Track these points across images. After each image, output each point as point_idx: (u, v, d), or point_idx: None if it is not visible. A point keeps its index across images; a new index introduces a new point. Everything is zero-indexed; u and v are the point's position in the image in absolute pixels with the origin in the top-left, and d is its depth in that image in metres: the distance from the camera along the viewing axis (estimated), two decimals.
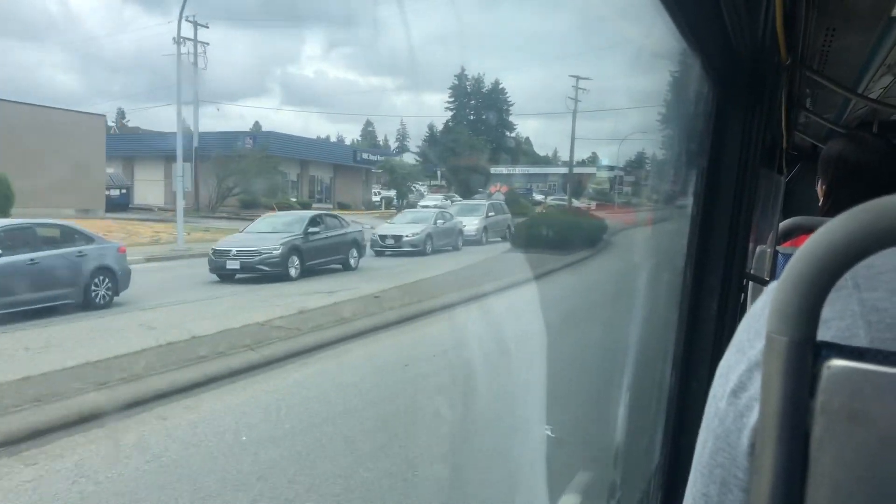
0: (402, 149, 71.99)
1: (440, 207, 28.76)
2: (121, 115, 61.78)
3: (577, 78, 47.66)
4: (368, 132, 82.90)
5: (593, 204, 48.34)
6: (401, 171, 42.86)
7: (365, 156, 46.56)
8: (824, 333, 0.56)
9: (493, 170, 56.25)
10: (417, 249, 21.88)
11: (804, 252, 0.52)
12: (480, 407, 7.34)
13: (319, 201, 42.37)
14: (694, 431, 0.74)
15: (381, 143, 78.08)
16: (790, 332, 0.52)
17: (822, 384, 0.51)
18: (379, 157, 47.87)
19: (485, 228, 25.90)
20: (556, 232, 22.68)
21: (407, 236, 22.47)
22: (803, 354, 0.52)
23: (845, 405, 0.50)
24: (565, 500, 4.89)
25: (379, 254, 21.72)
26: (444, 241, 23.35)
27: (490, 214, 27.14)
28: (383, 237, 22.47)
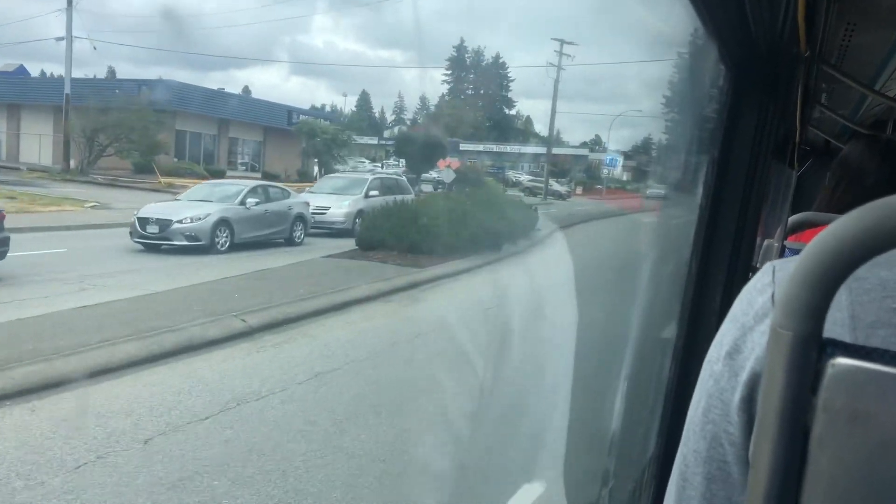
0: (398, 122, 71.40)
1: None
2: None
3: (562, 42, 43.99)
4: (363, 104, 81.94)
5: (578, 188, 47.38)
6: (322, 136, 33.47)
7: (304, 118, 37.64)
8: None
9: (464, 146, 54.05)
10: (196, 244, 14.70)
11: (813, 248, 0.52)
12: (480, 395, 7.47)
13: (245, 169, 35.50)
14: None
15: (376, 115, 77.31)
16: (796, 328, 0.52)
17: (825, 382, 0.51)
18: (325, 122, 39.07)
19: (360, 213, 18.19)
20: (440, 226, 16.16)
21: (181, 221, 14.62)
22: (808, 350, 0.52)
23: (847, 404, 0.50)
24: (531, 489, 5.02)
25: (150, 247, 14.50)
26: (260, 230, 16.34)
27: (372, 194, 18.95)
28: (143, 222, 14.48)
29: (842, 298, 0.59)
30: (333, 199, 18.93)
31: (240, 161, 37.05)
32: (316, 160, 34.09)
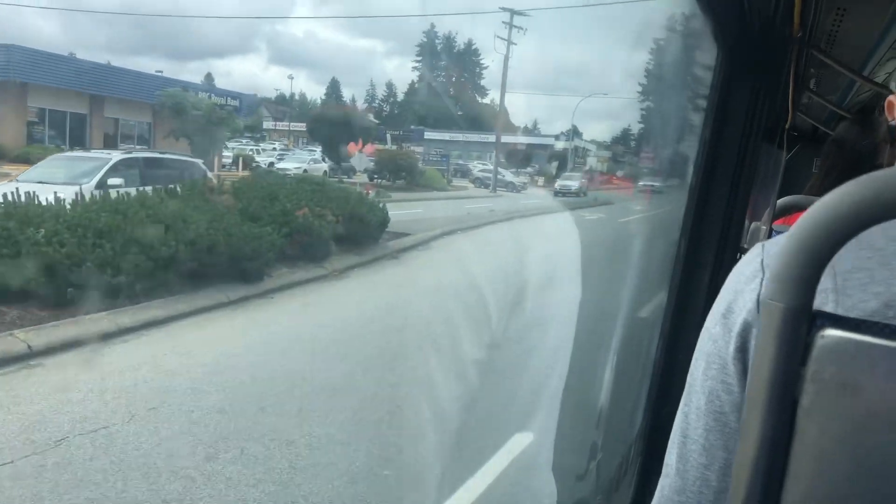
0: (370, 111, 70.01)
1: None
2: None
3: (511, 12, 39.05)
4: (333, 91, 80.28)
5: (540, 179, 44.72)
6: (193, 112, 25.23)
7: (171, 90, 28.83)
8: None
9: (430, 134, 51.70)
10: None
11: (805, 221, 0.52)
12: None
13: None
14: (677, 401, 0.75)
15: (346, 101, 75.81)
16: (786, 300, 0.52)
17: (814, 353, 0.52)
18: (228, 101, 31.62)
19: None
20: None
21: None
22: (798, 322, 0.53)
23: (836, 375, 0.51)
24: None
25: None
26: None
27: (114, 182, 11.84)
28: None
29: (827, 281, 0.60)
30: (44, 189, 10.83)
31: (121, 145, 28.52)
32: (189, 142, 24.55)
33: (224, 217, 10.51)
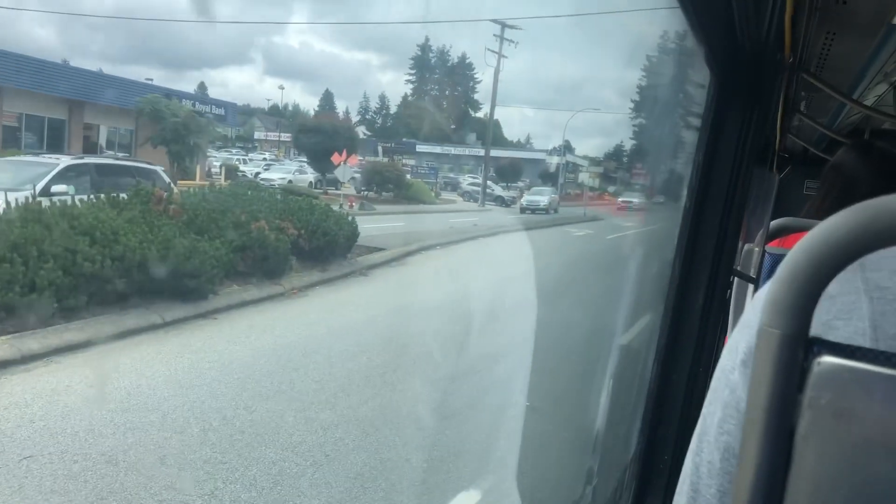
0: (362, 122, 70.12)
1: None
2: None
3: (503, 25, 38.93)
4: (326, 103, 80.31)
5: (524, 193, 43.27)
6: (171, 119, 24.23)
7: (150, 95, 27.26)
8: (829, 308, 0.58)
9: (421, 147, 51.39)
10: None
11: (802, 247, 0.52)
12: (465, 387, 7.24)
13: None
14: (671, 423, 0.74)
15: (340, 113, 75.86)
16: (783, 326, 0.52)
17: (811, 380, 0.51)
18: (214, 110, 31.29)
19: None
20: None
21: None
22: (794, 349, 0.52)
23: (833, 402, 0.50)
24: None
25: None
26: None
27: (58, 190, 11.07)
28: None
29: (863, 307, 0.58)
30: None
31: (107, 152, 28.13)
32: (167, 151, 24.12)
33: (162, 229, 9.47)
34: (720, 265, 1.78)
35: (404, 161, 42.92)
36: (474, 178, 46.30)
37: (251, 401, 6.31)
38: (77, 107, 27.29)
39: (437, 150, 52.85)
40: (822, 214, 1.90)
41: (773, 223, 2.11)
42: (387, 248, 15.59)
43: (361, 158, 36.42)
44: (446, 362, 7.92)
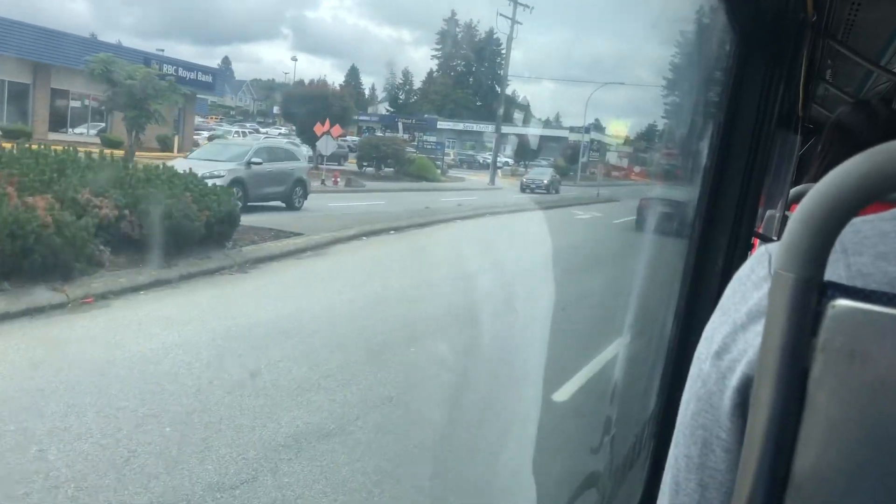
0: (387, 99, 69.11)
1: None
2: None
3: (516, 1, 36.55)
4: (352, 79, 79.43)
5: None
6: (127, 82, 20.61)
7: (181, 72, 25.59)
8: None
9: (443, 124, 49.92)
10: None
11: (817, 192, 0.53)
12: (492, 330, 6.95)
13: (84, 132, 24.43)
14: None
15: (365, 91, 74.86)
16: (797, 270, 0.53)
17: (825, 323, 0.52)
18: (200, 77, 28.53)
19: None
20: None
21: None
22: (809, 292, 0.53)
23: (846, 345, 0.51)
24: None
25: None
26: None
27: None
28: None
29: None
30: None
31: (70, 122, 25.72)
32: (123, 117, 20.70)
33: None
34: (740, 227, 1.78)
35: (425, 137, 42.06)
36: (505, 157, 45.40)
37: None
38: (43, 70, 24.03)
39: (460, 126, 52.00)
40: (821, 171, 1.88)
41: (794, 190, 2.10)
42: (315, 232, 12.94)
43: (345, 130, 33.63)
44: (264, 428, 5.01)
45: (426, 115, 54.86)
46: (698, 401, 0.66)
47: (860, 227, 0.60)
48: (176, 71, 25.74)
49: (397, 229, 15.29)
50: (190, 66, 28.57)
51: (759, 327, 0.60)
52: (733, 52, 1.71)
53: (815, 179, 1.92)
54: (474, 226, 18.12)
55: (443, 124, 52.02)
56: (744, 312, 0.63)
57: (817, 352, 0.52)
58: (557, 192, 33.14)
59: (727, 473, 0.64)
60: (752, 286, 0.64)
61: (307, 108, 28.75)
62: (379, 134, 42.67)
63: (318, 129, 23.91)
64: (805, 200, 0.53)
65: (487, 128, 50.87)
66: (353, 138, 37.41)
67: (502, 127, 47.11)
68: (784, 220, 2.10)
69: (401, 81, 67.65)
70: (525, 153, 47.34)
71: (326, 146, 23.36)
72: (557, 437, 4.59)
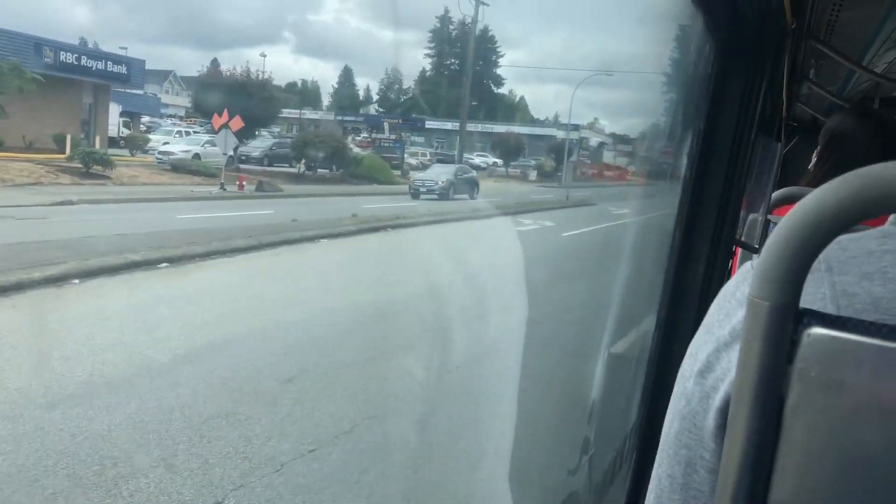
0: (381, 100, 69.13)
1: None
2: None
3: None
4: (346, 79, 79.35)
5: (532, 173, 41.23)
6: None
7: (85, 61, 22.75)
8: None
9: (431, 123, 49.74)
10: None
11: (792, 218, 0.52)
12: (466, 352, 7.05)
13: None
14: (672, 393, 0.74)
15: (359, 91, 74.52)
16: (773, 297, 0.52)
17: (800, 351, 0.51)
18: (112, 67, 24.43)
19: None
20: None
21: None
22: (784, 320, 0.52)
23: (822, 373, 0.50)
24: None
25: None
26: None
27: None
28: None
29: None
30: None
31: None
32: None
33: None
34: (722, 235, 1.77)
35: (411, 138, 41.79)
36: (482, 155, 45.10)
37: None
38: None
39: (448, 126, 51.74)
40: (817, 182, 1.88)
41: (776, 193, 2.09)
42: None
43: (278, 128, 30.64)
44: None
45: (414, 116, 54.73)
46: (682, 420, 0.64)
47: (846, 245, 0.59)
48: (78, 60, 23.00)
49: (221, 254, 10.59)
50: (96, 55, 24.86)
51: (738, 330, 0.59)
52: (713, 58, 1.69)
53: (814, 185, 1.92)
54: (345, 247, 13.62)
55: (431, 124, 51.90)
56: (727, 331, 0.62)
57: (793, 380, 0.51)
58: (473, 197, 26.88)
59: (711, 495, 0.63)
60: (737, 304, 0.63)
61: (222, 100, 24.37)
62: (365, 135, 41.67)
63: (217, 120, 20.49)
64: (780, 226, 0.52)
65: (478, 127, 50.83)
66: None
67: (484, 125, 47.22)
68: (766, 224, 2.10)
69: (390, 81, 67.59)
70: (507, 153, 45.75)
71: (226, 142, 19.89)
72: (534, 462, 4.59)
